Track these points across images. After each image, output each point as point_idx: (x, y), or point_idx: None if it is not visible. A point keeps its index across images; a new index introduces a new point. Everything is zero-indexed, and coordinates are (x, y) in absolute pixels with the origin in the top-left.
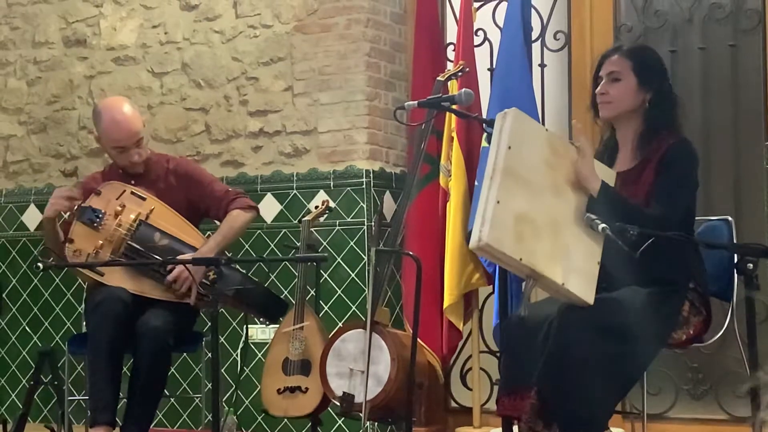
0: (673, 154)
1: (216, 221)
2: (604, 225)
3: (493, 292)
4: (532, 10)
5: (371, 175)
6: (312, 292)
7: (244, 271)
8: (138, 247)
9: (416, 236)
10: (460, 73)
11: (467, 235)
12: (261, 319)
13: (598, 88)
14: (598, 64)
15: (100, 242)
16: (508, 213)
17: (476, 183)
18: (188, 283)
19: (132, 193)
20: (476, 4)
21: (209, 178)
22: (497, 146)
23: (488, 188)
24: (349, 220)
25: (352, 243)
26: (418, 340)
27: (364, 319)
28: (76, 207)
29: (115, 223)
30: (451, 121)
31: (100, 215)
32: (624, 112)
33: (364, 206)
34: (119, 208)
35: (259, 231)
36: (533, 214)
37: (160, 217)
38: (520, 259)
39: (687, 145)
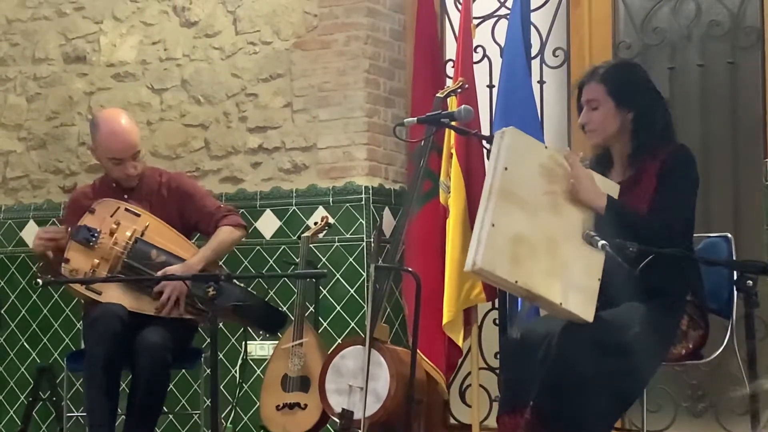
0: (673, 163)
1: (205, 236)
2: (603, 242)
3: (494, 308)
4: (531, 27)
5: (370, 191)
6: (311, 309)
7: (243, 285)
8: (135, 264)
9: (419, 252)
10: (459, 90)
11: None
12: (261, 332)
13: (580, 118)
14: (578, 91)
15: (97, 261)
16: (504, 235)
17: None
18: (175, 294)
19: (126, 209)
20: (475, 21)
21: (202, 192)
22: (494, 167)
23: (484, 210)
24: (348, 236)
25: (351, 259)
26: (424, 356)
27: (363, 335)
28: (66, 234)
29: (111, 241)
30: (451, 137)
31: (96, 234)
32: (609, 136)
33: (364, 222)
34: (114, 226)
35: (258, 247)
36: (531, 235)
37: (155, 233)
38: (516, 282)
39: (685, 151)
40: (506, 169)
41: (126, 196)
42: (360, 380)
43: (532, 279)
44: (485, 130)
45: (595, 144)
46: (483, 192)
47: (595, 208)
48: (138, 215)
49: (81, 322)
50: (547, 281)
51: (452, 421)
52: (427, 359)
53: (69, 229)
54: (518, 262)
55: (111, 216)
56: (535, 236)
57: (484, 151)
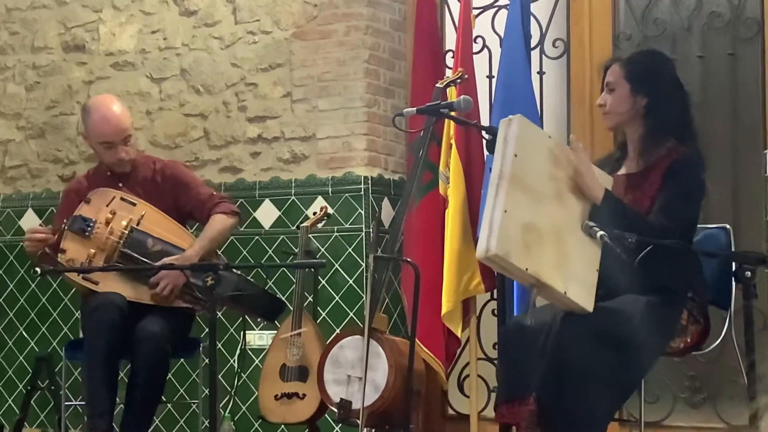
0: (681, 166)
1: (199, 223)
2: (602, 232)
3: (493, 299)
4: (531, 18)
5: (369, 181)
6: (310, 299)
7: (241, 273)
8: (132, 253)
9: (419, 243)
10: (458, 80)
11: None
12: (259, 320)
13: (598, 99)
14: (603, 74)
15: (93, 251)
16: (515, 222)
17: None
18: (171, 285)
19: (122, 198)
20: (475, 12)
21: (195, 180)
22: (503, 153)
23: (494, 196)
24: (347, 226)
25: (350, 249)
26: (423, 346)
27: (361, 325)
28: (55, 234)
29: (106, 231)
30: (450, 128)
31: (91, 224)
32: (622, 120)
33: (363, 213)
34: (110, 216)
35: (257, 237)
36: (538, 223)
37: (151, 222)
38: (526, 269)
39: (695, 157)
40: (516, 156)
41: (121, 184)
42: (358, 370)
43: (541, 267)
44: (484, 121)
45: (610, 127)
46: (491, 177)
47: (592, 198)
48: (134, 204)
49: (80, 311)
50: (553, 270)
51: (450, 411)
52: (426, 349)
53: (65, 221)
54: (528, 250)
55: (107, 205)
56: (542, 225)
57: (483, 141)
